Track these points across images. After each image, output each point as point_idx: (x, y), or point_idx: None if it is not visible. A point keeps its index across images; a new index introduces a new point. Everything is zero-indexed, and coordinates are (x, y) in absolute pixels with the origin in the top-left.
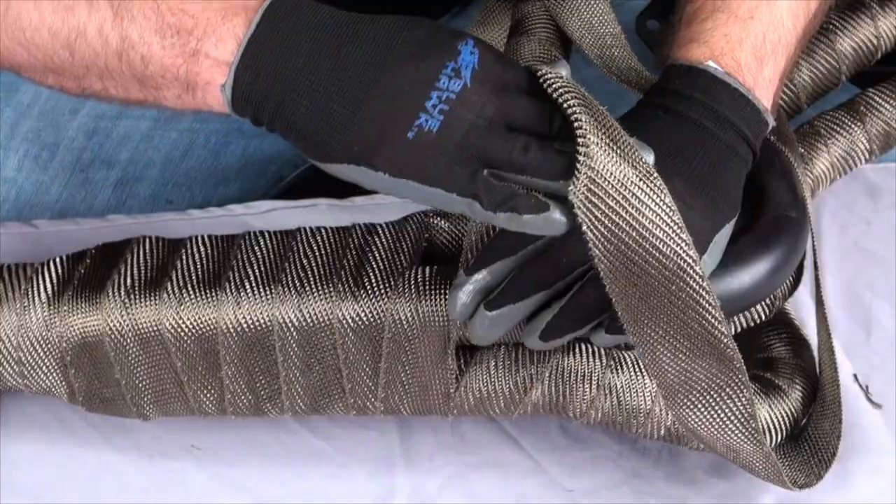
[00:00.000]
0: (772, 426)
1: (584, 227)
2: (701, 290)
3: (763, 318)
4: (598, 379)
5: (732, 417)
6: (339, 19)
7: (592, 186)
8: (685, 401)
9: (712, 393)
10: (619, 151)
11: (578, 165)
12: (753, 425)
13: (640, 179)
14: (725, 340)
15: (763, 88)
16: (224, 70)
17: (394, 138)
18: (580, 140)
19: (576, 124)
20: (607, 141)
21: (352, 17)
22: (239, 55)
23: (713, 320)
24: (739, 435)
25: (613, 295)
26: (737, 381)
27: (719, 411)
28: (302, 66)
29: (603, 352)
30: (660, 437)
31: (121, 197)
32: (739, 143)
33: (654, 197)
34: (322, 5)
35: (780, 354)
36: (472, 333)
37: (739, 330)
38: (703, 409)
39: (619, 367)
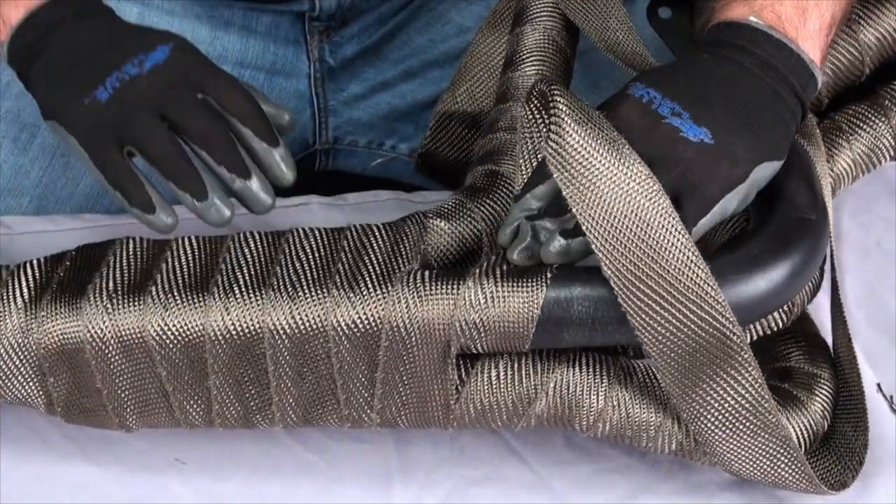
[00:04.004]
0: None
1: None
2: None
3: (780, 325)
4: (605, 390)
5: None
6: (103, 22)
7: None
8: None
9: (734, 412)
10: None
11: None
12: (782, 433)
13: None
14: (738, 342)
15: (808, 40)
16: (8, 30)
17: (73, 98)
18: None
19: None
20: None
21: (113, 22)
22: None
23: (723, 319)
24: (770, 448)
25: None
26: (757, 393)
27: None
28: (54, 39)
29: (611, 362)
30: (671, 452)
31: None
32: (785, 90)
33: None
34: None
35: (798, 363)
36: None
37: (755, 338)
38: (730, 435)
39: (628, 378)
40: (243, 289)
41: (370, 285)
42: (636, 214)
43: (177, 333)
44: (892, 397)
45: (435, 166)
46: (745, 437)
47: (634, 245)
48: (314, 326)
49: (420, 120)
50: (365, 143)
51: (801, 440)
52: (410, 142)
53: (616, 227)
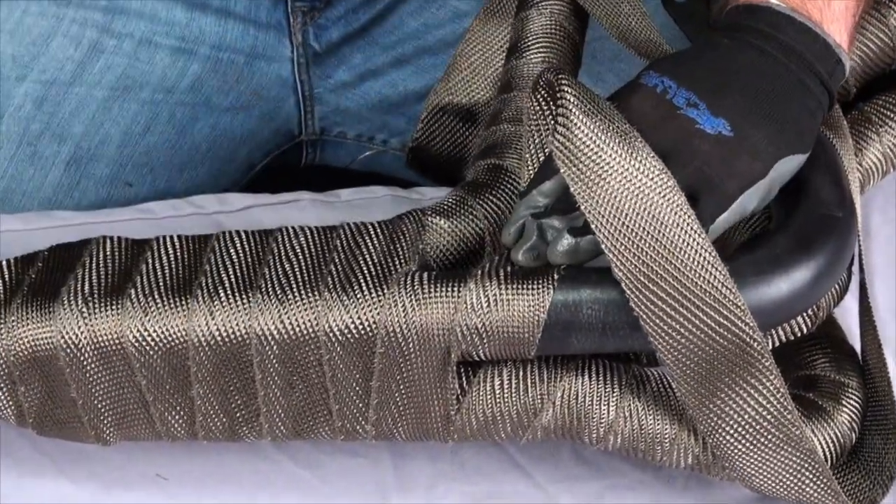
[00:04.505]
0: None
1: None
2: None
3: (804, 331)
4: (616, 400)
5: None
6: None
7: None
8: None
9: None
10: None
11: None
12: (807, 446)
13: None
14: (759, 348)
15: (834, 22)
16: None
17: None
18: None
19: None
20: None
21: None
22: None
23: (742, 324)
24: (793, 462)
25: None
26: (779, 402)
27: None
28: None
29: (622, 370)
30: (687, 466)
31: (74, 176)
32: (810, 78)
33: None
34: None
35: (823, 372)
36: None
37: (777, 345)
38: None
39: (640, 387)
40: (229, 291)
41: (364, 288)
42: (649, 212)
43: (157, 339)
44: None
45: (427, 161)
46: (766, 450)
47: (647, 245)
48: (305, 332)
49: (412, 112)
50: (354, 135)
51: (827, 454)
52: (402, 136)
53: (627, 226)
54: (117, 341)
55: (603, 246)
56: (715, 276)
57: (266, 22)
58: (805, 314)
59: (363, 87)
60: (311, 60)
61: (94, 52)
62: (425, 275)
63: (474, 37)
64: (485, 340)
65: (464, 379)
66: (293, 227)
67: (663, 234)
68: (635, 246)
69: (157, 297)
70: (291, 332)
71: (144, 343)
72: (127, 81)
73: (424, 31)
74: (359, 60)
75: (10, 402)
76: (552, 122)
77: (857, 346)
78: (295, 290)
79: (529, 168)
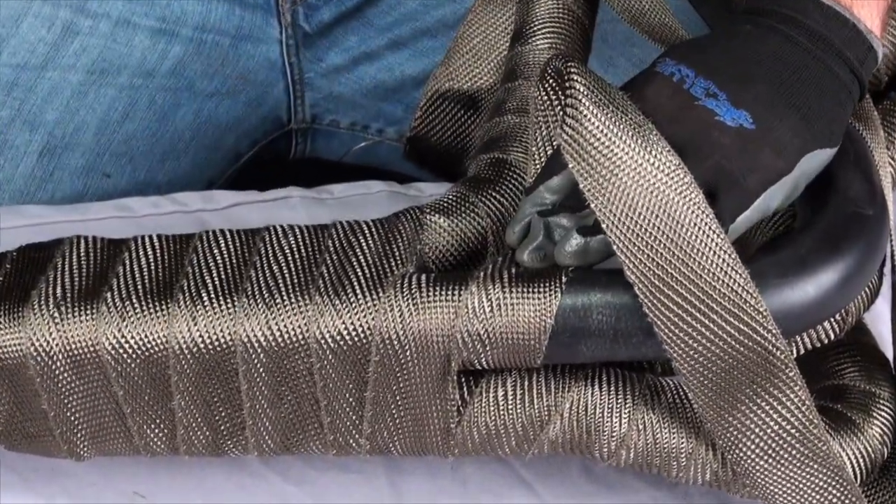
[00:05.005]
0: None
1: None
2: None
3: (832, 338)
4: (629, 412)
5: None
6: None
7: None
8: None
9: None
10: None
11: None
12: (834, 462)
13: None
14: (782, 357)
15: (864, 7)
16: None
17: None
18: None
19: None
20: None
21: None
22: None
23: (764, 331)
24: (819, 479)
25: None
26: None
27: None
28: None
29: (635, 380)
30: (704, 483)
31: (47, 167)
32: (839, 66)
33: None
34: None
35: (853, 381)
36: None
37: (803, 353)
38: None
39: (655, 398)
40: (213, 295)
41: (358, 291)
42: (664, 210)
43: (136, 346)
44: None
45: (426, 153)
46: (790, 466)
47: (662, 245)
48: (294, 338)
49: (409, 99)
50: (347, 124)
51: (857, 470)
52: (399, 126)
53: (641, 225)
54: (92, 349)
55: (614, 246)
56: (735, 279)
57: (253, 1)
58: (833, 319)
59: (357, 72)
60: (301, 42)
61: (68, 34)
62: (423, 277)
63: (477, 18)
64: (487, 348)
65: (465, 389)
66: (282, 227)
67: (679, 234)
68: (649, 246)
69: (135, 301)
70: (280, 339)
71: (121, 350)
72: (103, 65)
73: (423, 12)
74: (352, 43)
75: None
76: (560, 113)
77: (889, 354)
78: (283, 293)
79: (536, 162)
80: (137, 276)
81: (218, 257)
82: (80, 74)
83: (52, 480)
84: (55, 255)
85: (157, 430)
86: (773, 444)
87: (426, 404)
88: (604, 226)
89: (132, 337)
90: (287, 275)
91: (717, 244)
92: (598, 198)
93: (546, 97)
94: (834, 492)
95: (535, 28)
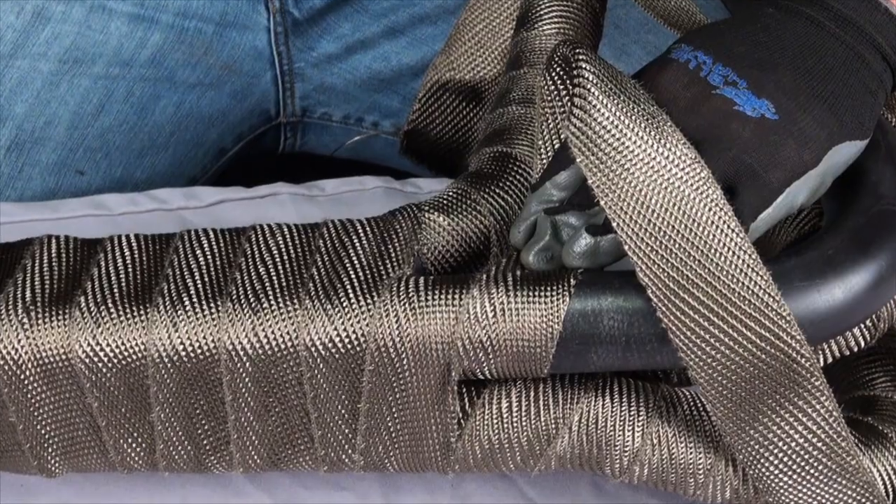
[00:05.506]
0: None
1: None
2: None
3: (862, 345)
4: (642, 425)
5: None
6: None
7: None
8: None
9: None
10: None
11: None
12: (864, 478)
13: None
14: (808, 365)
15: None
16: None
17: None
18: None
19: None
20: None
21: None
22: None
23: (787, 337)
24: (848, 496)
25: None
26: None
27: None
28: None
29: (649, 390)
30: (724, 501)
31: (16, 163)
32: (870, 52)
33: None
34: None
35: (884, 392)
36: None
37: (830, 361)
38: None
39: (670, 410)
40: (195, 299)
41: (351, 295)
42: (679, 208)
43: (111, 354)
44: None
45: (424, 147)
46: (816, 483)
47: (677, 245)
48: (282, 346)
49: (407, 90)
50: (340, 117)
51: (888, 487)
52: (396, 118)
53: (654, 224)
54: (64, 357)
55: (626, 247)
56: (756, 282)
57: None
58: (863, 325)
59: (351, 61)
60: (291, 30)
61: (39, 20)
62: (422, 280)
63: (479, 3)
64: (490, 356)
65: (466, 400)
66: (269, 225)
67: (696, 233)
68: (663, 246)
69: (110, 305)
70: (267, 347)
71: (96, 359)
72: (77, 53)
73: None
74: (346, 30)
75: None
76: (568, 103)
77: None
78: (271, 297)
79: (542, 157)
80: (113, 278)
81: (200, 258)
82: (52, 63)
83: (22, 498)
84: (24, 256)
85: (134, 445)
86: (798, 459)
87: (424, 417)
88: (615, 224)
89: (108, 344)
90: (275, 277)
91: (736, 244)
92: (609, 194)
93: (553, 86)
94: None
95: (541, 12)
